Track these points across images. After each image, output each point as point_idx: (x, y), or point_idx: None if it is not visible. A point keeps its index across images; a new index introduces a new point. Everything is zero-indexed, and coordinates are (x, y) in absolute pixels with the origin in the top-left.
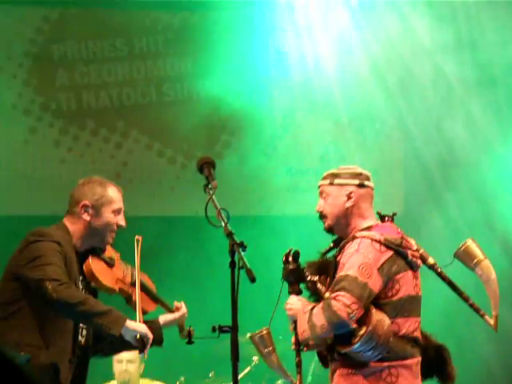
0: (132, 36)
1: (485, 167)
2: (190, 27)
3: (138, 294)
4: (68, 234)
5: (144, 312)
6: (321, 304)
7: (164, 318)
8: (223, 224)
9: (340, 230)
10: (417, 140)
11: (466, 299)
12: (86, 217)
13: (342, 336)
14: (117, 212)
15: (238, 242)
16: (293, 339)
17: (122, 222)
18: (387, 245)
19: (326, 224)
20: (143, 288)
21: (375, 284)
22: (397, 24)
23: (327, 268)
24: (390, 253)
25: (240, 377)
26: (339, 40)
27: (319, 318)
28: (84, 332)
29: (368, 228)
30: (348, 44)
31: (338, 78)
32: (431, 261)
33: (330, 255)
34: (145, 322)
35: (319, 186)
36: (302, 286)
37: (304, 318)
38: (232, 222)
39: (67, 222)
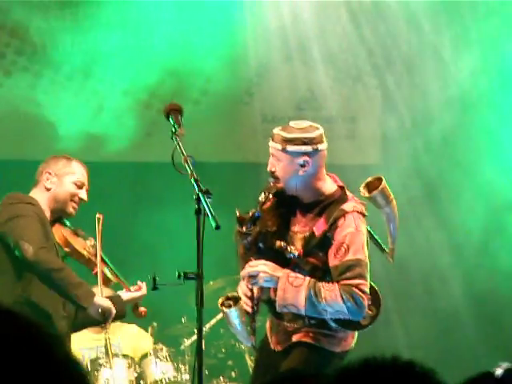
0: None
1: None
2: None
3: (99, 270)
4: (38, 203)
5: (107, 282)
6: (338, 289)
7: (126, 295)
8: (189, 171)
9: (290, 192)
10: (392, 87)
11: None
12: (49, 184)
13: None
14: (78, 184)
15: (203, 189)
16: (249, 302)
17: (84, 196)
18: (365, 215)
19: (278, 185)
20: (106, 262)
21: None
22: None
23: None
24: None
25: (213, 323)
26: None
27: (336, 304)
28: None
29: (344, 197)
30: None
31: (314, 25)
32: None
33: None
34: (108, 296)
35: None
36: None
37: (296, 291)
38: (199, 168)
39: (33, 194)
